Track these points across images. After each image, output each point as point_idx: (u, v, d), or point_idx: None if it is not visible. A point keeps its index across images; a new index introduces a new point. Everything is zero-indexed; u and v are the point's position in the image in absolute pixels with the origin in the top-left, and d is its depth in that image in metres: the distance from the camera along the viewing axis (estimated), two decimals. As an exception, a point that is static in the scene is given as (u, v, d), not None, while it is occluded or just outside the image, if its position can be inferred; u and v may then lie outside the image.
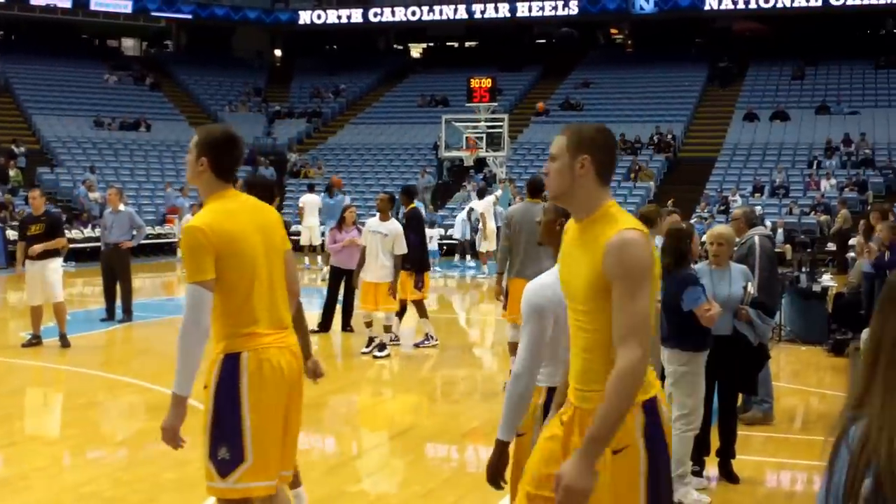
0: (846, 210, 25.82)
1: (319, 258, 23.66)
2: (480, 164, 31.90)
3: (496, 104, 31.35)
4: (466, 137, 29.02)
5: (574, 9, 41.44)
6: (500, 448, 3.88)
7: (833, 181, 30.41)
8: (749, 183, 31.23)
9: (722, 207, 28.71)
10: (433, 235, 23.66)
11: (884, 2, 38.23)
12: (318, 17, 44.56)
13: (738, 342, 7.11)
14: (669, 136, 35.08)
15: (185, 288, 4.13)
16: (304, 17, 44.71)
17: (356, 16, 44.07)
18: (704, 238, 7.41)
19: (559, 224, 4.25)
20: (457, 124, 29.52)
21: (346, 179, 33.35)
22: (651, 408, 3.29)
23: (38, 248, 12.46)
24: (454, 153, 30.19)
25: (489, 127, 29.06)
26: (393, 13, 43.50)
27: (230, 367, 4.13)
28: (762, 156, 33.61)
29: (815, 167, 31.70)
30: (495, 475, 3.89)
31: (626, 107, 38.19)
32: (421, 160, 35.31)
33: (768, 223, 26.43)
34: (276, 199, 5.69)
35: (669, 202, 24.75)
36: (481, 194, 26.86)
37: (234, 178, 4.38)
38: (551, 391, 4.12)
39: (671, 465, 3.54)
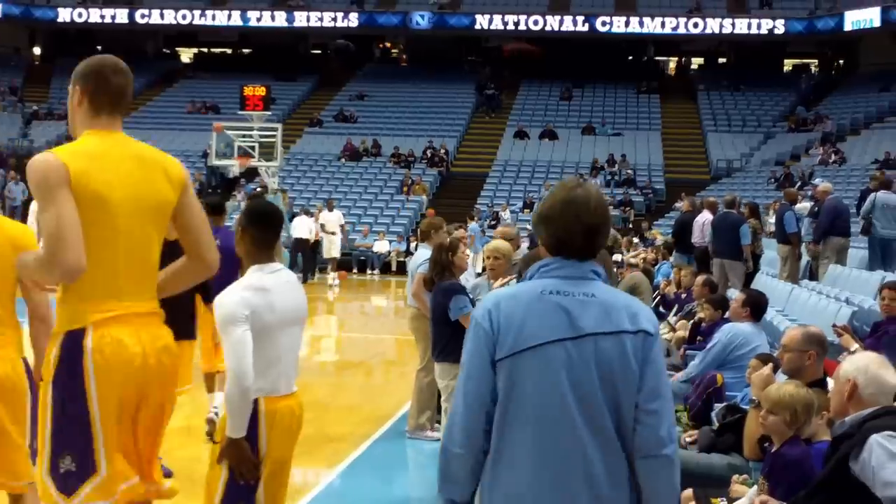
0: (608, 227, 26.68)
1: None
2: (252, 173, 31.08)
3: (269, 113, 30.67)
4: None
5: (354, 21, 41.25)
6: (239, 444, 4.01)
7: (598, 199, 31.40)
8: (520, 199, 31.87)
9: (493, 222, 29.12)
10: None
11: (647, 31, 40.01)
12: (80, 15, 42.31)
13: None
14: (442, 151, 35.38)
15: None
16: (64, 14, 42.38)
17: (121, 16, 42.14)
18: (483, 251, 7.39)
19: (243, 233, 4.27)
20: (228, 132, 28.62)
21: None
22: (72, 341, 3.40)
23: None
24: (225, 161, 29.26)
25: (262, 136, 28.34)
26: (162, 16, 41.90)
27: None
28: (532, 172, 34.42)
29: (581, 185, 32.67)
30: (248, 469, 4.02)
31: (401, 120, 38.33)
32: (190, 168, 34.12)
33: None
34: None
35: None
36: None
37: None
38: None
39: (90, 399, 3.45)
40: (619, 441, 2.84)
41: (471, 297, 7.02)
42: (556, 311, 2.85)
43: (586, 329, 2.84)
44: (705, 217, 15.16)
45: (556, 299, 2.87)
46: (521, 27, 40.57)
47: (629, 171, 33.60)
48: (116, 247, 3.45)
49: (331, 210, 25.97)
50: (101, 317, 3.41)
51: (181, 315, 6.13)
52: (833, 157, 32.22)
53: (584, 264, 2.94)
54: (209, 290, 6.72)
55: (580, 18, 39.89)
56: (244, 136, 28.37)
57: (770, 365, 5.47)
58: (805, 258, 15.21)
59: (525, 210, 30.98)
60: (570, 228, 2.92)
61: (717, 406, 6.68)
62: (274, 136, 28.24)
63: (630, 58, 44.76)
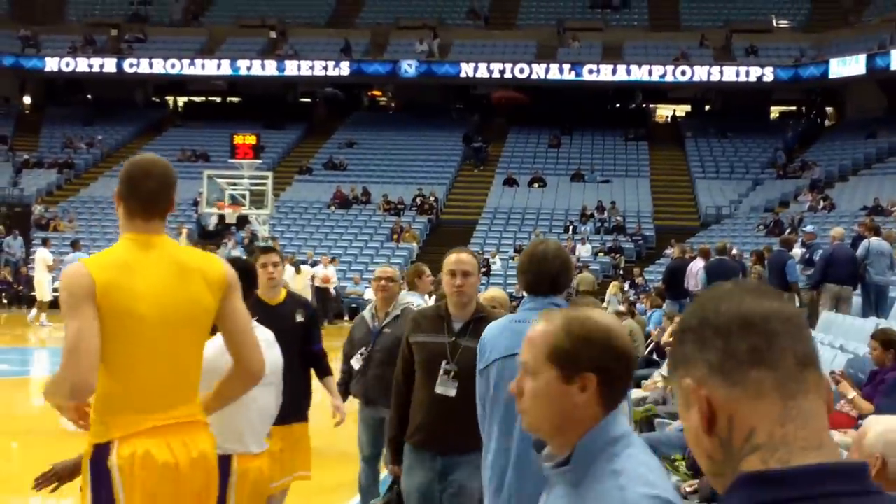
0: (587, 273, 26.94)
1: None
2: (243, 222, 31.06)
3: (259, 161, 30.69)
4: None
5: (345, 70, 41.44)
6: None
7: (588, 246, 31.47)
8: (510, 245, 31.86)
9: (483, 269, 29.08)
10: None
11: (634, 79, 40.27)
12: (67, 64, 42.36)
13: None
14: (432, 198, 35.42)
15: None
16: (52, 64, 42.41)
17: (109, 65, 42.21)
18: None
19: None
20: (219, 181, 28.60)
21: (100, 234, 31.72)
22: (99, 455, 3.34)
23: None
24: (216, 209, 29.22)
25: (252, 184, 28.33)
26: (150, 65, 42.00)
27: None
28: (521, 219, 34.45)
29: (571, 232, 32.72)
30: None
31: (390, 168, 38.39)
32: (180, 216, 34.07)
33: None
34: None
35: None
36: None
37: None
38: (222, 459, 3.95)
39: None
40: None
41: None
42: (515, 334, 3.71)
43: None
44: (698, 265, 15.14)
45: (518, 326, 3.84)
46: (508, 75, 40.83)
47: (619, 218, 33.67)
48: (144, 360, 3.36)
49: (299, 272, 23.57)
50: (126, 431, 3.33)
51: (290, 395, 5.07)
52: (822, 203, 32.34)
53: (547, 299, 3.94)
54: (322, 364, 6.22)
55: (566, 66, 40.17)
56: (234, 184, 28.37)
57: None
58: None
59: (515, 257, 30.97)
60: (535, 275, 3.97)
61: (716, 455, 6.59)
62: (264, 184, 28.24)
63: (618, 105, 45.03)
